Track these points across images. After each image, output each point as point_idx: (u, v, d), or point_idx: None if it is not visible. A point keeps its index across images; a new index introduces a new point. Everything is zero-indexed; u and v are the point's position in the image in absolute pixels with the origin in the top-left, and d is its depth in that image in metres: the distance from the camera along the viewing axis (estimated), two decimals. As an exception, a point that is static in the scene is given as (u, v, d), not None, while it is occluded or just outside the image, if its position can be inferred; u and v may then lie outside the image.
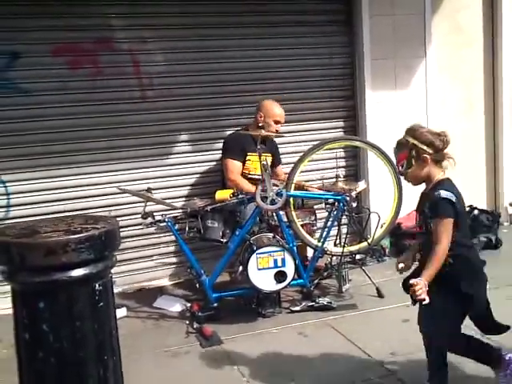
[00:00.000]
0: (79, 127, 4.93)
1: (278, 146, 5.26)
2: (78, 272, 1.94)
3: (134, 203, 5.01)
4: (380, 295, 4.63)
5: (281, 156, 5.29)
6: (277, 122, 4.88)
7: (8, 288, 4.52)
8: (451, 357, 3.14)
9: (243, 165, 4.92)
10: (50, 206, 4.89)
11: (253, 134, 4.71)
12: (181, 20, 5.14)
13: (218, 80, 5.32)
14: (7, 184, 4.77)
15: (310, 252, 4.86)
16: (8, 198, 4.78)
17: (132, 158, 5.12)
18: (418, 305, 2.94)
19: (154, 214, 4.45)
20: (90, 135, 4.97)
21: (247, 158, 4.92)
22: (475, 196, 6.15)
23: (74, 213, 4.87)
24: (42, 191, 4.87)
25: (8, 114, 4.72)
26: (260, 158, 4.41)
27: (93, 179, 5.03)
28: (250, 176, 4.94)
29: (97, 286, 2.01)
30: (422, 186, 3.06)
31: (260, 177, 4.85)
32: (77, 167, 4.96)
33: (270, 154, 5.01)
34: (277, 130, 4.87)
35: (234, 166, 4.85)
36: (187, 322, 4.33)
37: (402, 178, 3.15)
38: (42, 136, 4.84)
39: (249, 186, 4.76)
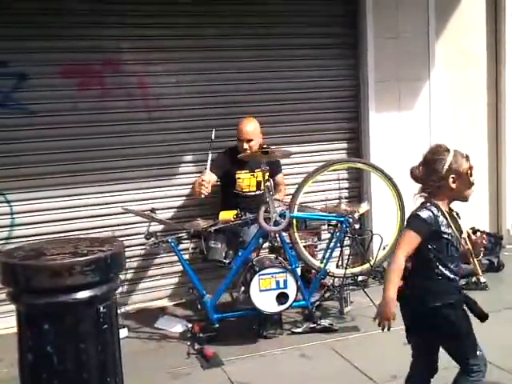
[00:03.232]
0: (85, 148, 4.97)
1: (283, 167, 5.27)
2: (83, 294, 1.96)
3: (137, 223, 5.04)
4: (382, 317, 4.62)
5: (285, 177, 5.31)
6: (246, 141, 4.85)
7: (9, 308, 4.53)
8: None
9: (233, 183, 4.96)
10: (54, 225, 4.90)
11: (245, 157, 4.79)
12: (187, 42, 5.20)
13: (223, 101, 5.37)
14: (12, 203, 4.80)
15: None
16: (12, 218, 4.81)
17: (137, 178, 5.15)
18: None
19: (158, 234, 4.47)
20: (95, 156, 5.01)
21: (236, 176, 4.97)
22: (477, 218, 6.14)
23: (78, 232, 4.89)
24: (46, 211, 4.90)
25: (15, 135, 4.76)
26: (264, 178, 4.45)
27: (97, 199, 5.05)
28: (244, 194, 4.98)
29: (101, 308, 2.03)
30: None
31: (254, 194, 4.93)
32: (82, 187, 4.99)
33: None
34: (247, 149, 4.82)
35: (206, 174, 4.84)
36: (188, 343, 4.33)
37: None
38: (48, 156, 4.87)
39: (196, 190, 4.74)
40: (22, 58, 4.73)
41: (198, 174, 5.26)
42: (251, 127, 4.89)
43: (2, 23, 4.64)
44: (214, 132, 4.85)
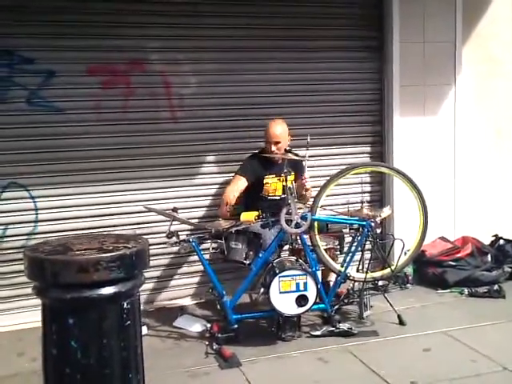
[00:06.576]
0: (109, 146, 5.01)
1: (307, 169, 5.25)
2: (107, 290, 1.98)
3: (159, 222, 5.06)
4: (401, 323, 4.60)
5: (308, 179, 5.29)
6: (274, 143, 4.87)
7: (31, 302, 4.58)
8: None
9: (261, 187, 4.97)
10: (77, 222, 4.95)
11: (275, 157, 4.84)
12: (212, 43, 5.22)
13: (246, 102, 5.38)
14: (36, 199, 4.85)
15: (333, 277, 4.85)
16: (36, 214, 4.86)
17: (159, 177, 5.18)
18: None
19: (179, 233, 4.49)
20: (119, 154, 5.04)
21: (264, 181, 4.98)
22: (501, 225, 6.09)
23: (101, 230, 4.94)
24: (69, 207, 4.94)
25: (41, 131, 4.81)
26: (286, 181, 4.45)
27: (120, 197, 5.08)
28: (269, 198, 4.99)
29: (125, 304, 2.05)
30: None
31: (279, 198, 4.93)
32: (104, 185, 5.02)
33: (292, 173, 4.98)
34: (274, 151, 4.86)
35: (236, 181, 4.92)
36: (207, 343, 4.33)
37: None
38: (72, 153, 4.92)
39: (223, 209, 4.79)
40: (50, 56, 4.78)
41: (221, 175, 5.30)
42: (279, 130, 4.90)
43: (30, 21, 4.70)
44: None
